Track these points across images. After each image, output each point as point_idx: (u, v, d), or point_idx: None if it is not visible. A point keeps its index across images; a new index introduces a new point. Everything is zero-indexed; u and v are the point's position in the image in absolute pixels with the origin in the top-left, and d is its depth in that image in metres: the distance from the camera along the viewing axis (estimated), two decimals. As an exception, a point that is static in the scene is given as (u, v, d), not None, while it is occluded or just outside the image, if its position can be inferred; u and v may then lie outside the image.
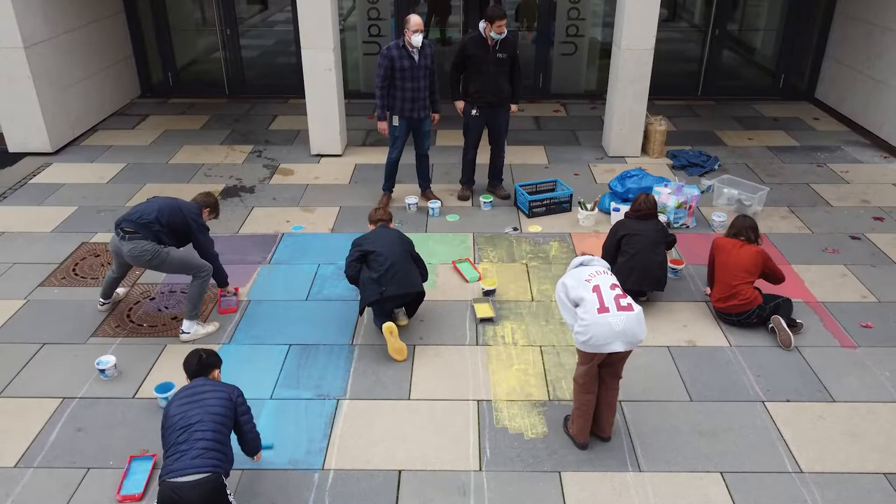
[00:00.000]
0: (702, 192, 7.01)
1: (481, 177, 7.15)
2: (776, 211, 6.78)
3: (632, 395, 4.40)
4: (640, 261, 5.04)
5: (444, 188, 7.25)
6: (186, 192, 7.15)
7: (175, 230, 4.84)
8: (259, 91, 10.16)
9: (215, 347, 4.86)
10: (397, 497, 3.72)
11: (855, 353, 4.79)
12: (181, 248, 4.89)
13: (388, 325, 4.69)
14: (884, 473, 3.85)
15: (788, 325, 4.89)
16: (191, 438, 3.18)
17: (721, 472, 3.86)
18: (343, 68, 8.43)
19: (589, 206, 6.50)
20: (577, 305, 3.69)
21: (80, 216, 6.71)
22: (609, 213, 6.61)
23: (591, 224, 6.51)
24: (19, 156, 8.04)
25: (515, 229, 6.45)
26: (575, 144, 8.49)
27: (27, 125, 7.91)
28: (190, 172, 7.68)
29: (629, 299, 3.68)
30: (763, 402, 4.37)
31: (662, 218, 6.37)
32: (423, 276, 5.07)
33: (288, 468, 3.91)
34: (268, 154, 8.17)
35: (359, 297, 4.94)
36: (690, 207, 6.42)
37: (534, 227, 6.50)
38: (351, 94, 9.70)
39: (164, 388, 4.33)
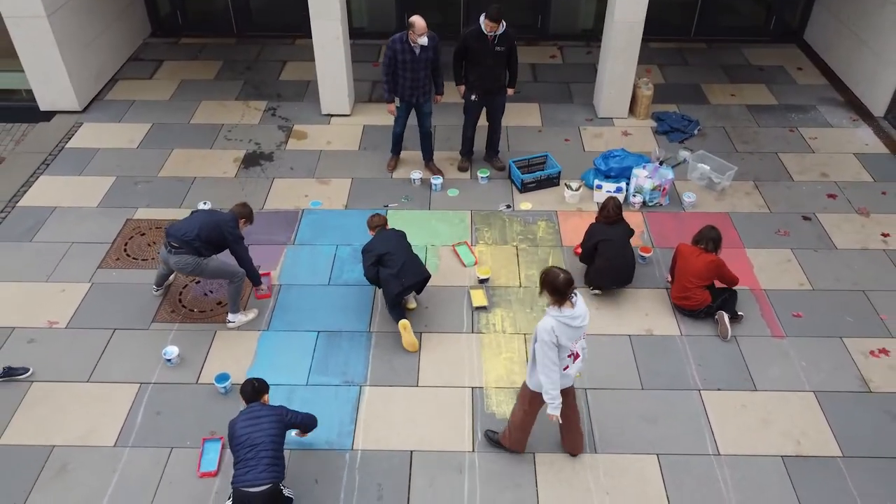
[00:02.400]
0: (677, 165, 7.77)
1: (479, 144, 7.86)
2: (742, 186, 7.58)
3: (597, 383, 5.50)
4: (615, 263, 5.99)
5: (446, 156, 7.99)
6: (211, 159, 7.97)
7: (213, 243, 5.68)
8: (266, 28, 10.48)
9: (257, 334, 5.91)
10: (410, 474, 4.91)
11: (782, 344, 5.85)
12: (218, 256, 5.78)
13: (403, 322, 5.71)
14: (781, 456, 5.02)
15: (731, 317, 5.91)
16: (257, 456, 4.27)
17: (657, 455, 5.03)
18: None
19: (574, 186, 7.29)
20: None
21: (119, 188, 7.51)
22: (592, 189, 7.41)
23: (575, 202, 7.33)
24: (51, 114, 8.66)
25: (508, 206, 7.29)
26: (568, 102, 9.07)
27: (55, 87, 8.47)
28: (211, 135, 8.35)
29: (582, 342, 4.39)
30: (699, 390, 5.48)
31: (638, 199, 7.21)
32: None
33: (325, 448, 5.07)
34: (281, 112, 8.78)
35: (375, 289, 5.96)
36: (664, 189, 7.22)
37: (525, 204, 7.32)
38: (355, 33, 10.02)
39: (221, 378, 5.41)
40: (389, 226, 6.03)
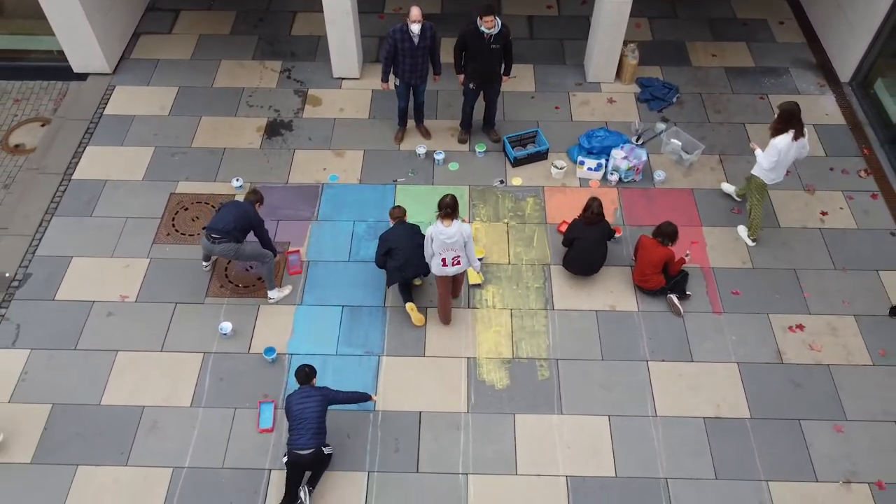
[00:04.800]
0: (654, 137, 8.73)
1: (478, 115, 8.74)
2: (708, 161, 8.58)
3: (567, 354, 6.92)
4: (583, 260, 7.22)
5: (447, 126, 8.92)
6: (236, 128, 8.92)
7: (244, 229, 6.90)
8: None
9: (293, 308, 7.24)
10: (419, 431, 6.44)
11: (718, 319, 7.20)
12: (250, 241, 7.00)
13: (410, 305, 7.02)
14: (703, 417, 6.54)
15: (680, 297, 7.23)
16: (305, 427, 5.75)
17: (608, 416, 6.55)
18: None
19: (560, 165, 8.32)
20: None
21: (159, 160, 8.51)
22: (576, 165, 8.44)
23: (561, 177, 8.38)
24: (84, 75, 9.43)
25: (502, 182, 8.35)
26: (560, 63, 9.77)
27: (86, 52, 9.18)
28: (234, 100, 9.19)
29: (454, 253, 6.38)
30: (647, 361, 6.90)
31: (615, 177, 8.27)
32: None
33: (354, 409, 6.57)
34: (296, 75, 9.54)
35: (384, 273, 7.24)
36: (638, 169, 8.25)
37: (516, 179, 8.38)
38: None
39: (269, 351, 6.81)
40: (403, 208, 7.18)
